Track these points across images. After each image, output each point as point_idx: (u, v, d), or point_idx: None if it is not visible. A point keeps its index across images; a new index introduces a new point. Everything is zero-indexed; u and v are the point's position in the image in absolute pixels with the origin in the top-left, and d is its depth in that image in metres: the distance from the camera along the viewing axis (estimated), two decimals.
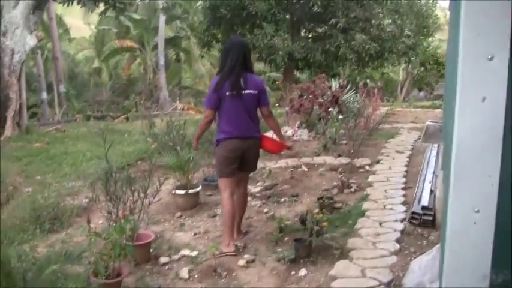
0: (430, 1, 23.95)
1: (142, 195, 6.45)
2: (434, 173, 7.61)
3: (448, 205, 2.36)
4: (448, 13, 7.89)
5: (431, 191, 6.89)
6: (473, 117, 2.15)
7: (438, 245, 4.93)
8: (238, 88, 6.08)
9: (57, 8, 29.80)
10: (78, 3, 18.27)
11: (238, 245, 6.26)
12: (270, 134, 7.23)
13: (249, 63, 6.43)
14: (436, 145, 9.20)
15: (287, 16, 22.11)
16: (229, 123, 6.18)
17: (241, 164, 6.34)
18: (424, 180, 7.58)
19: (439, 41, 29.62)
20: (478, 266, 2.21)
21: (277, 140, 6.76)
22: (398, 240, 6.01)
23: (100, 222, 7.05)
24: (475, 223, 2.19)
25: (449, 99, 3.83)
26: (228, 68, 6.16)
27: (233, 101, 6.09)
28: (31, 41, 16.21)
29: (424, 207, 6.45)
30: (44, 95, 27.48)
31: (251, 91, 6.16)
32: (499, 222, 2.19)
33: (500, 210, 2.18)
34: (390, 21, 22.37)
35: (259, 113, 6.49)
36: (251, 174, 7.65)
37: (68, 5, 18.27)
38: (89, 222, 5.61)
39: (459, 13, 2.31)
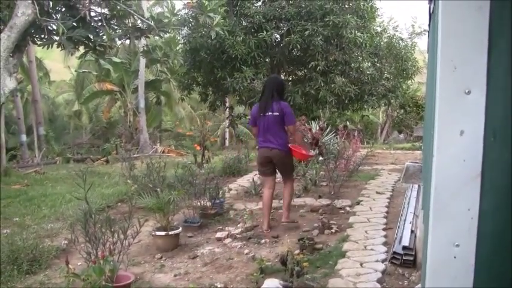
0: (409, 44, 24.24)
1: (121, 236, 6.40)
2: (414, 213, 7.64)
3: (427, 240, 2.37)
4: (427, 56, 8.02)
5: (412, 231, 6.90)
6: (451, 151, 2.16)
7: (419, 285, 4.92)
8: (263, 111, 8.50)
9: (37, 51, 29.90)
10: (58, 47, 18.29)
11: (219, 286, 6.22)
12: None
13: (279, 93, 8.60)
14: (416, 186, 9.24)
15: (267, 59, 22.23)
16: (260, 136, 8.78)
17: (277, 169, 8.94)
18: (405, 220, 7.60)
19: (418, 83, 29.98)
20: None
21: (304, 151, 8.88)
22: (379, 281, 6.00)
23: (79, 263, 6.98)
24: (455, 257, 2.19)
25: (428, 136, 3.87)
26: (260, 97, 9.01)
27: (261, 121, 8.55)
28: (10, 84, 16.15)
29: (404, 247, 6.45)
30: (24, 138, 27.34)
31: (274, 113, 8.41)
32: (479, 256, 2.19)
33: (480, 244, 2.18)
34: (369, 64, 22.55)
35: None
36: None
37: (47, 48, 18.30)
38: (67, 263, 5.56)
39: (436, 48, 2.35)
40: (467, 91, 2.11)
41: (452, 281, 2.21)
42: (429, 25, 5.87)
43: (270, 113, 8.42)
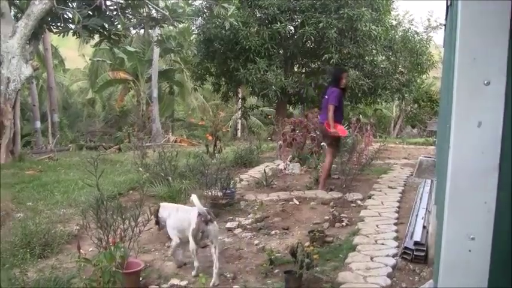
0: (424, 38, 24.05)
1: (132, 223, 6.41)
2: (427, 208, 7.57)
3: (441, 234, 2.34)
4: (442, 50, 7.94)
5: (424, 227, 6.85)
6: (468, 143, 2.13)
7: (430, 281, 4.89)
8: (323, 95, 11.03)
9: (53, 39, 29.99)
10: (73, 35, 18.39)
11: (228, 275, 6.24)
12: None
13: (333, 80, 10.94)
14: (429, 181, 9.18)
15: (280, 51, 22.23)
16: None
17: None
18: (417, 215, 7.54)
19: (432, 78, 29.74)
20: None
21: (331, 128, 10.36)
22: (389, 275, 5.96)
23: (90, 249, 7.00)
24: (470, 251, 2.16)
25: (443, 130, 3.83)
26: None
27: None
28: (27, 71, 16.26)
29: (416, 243, 6.40)
30: (38, 124, 27.51)
31: (325, 96, 10.71)
32: (495, 249, 2.16)
33: (497, 238, 2.15)
34: (384, 57, 22.51)
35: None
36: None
37: (63, 36, 18.38)
38: (79, 248, 5.57)
39: (454, 40, 2.32)
40: (486, 82, 2.08)
41: (467, 275, 2.18)
42: (446, 18, 5.81)
43: (325, 96, 10.69)
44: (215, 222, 6.54)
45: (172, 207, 6.94)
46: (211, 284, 6.10)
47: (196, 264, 6.40)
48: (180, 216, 6.65)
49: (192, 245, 6.38)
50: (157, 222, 6.92)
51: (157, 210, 6.92)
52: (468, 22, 2.15)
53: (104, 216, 6.28)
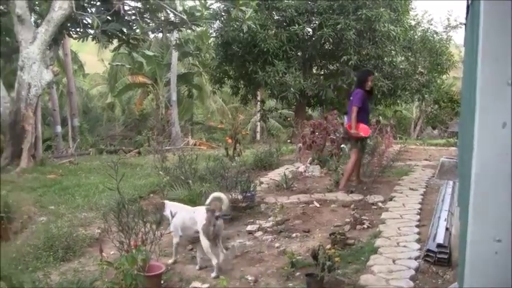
0: (444, 38, 23.87)
1: (153, 227, 6.43)
2: (449, 210, 7.52)
3: (466, 236, 2.32)
4: (463, 50, 7.87)
5: (447, 229, 6.80)
6: (492, 143, 2.11)
7: (454, 284, 4.84)
8: (348, 97, 11.57)
9: (73, 45, 30.25)
10: (92, 40, 18.54)
11: (249, 278, 6.24)
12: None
13: (361, 83, 10.80)
14: (451, 182, 9.11)
15: (299, 53, 22.21)
16: None
17: None
18: (439, 217, 7.49)
19: (453, 78, 29.50)
20: None
21: (352, 128, 10.50)
22: (412, 278, 5.93)
23: (112, 252, 7.03)
24: (496, 253, 2.14)
25: (465, 131, 3.80)
26: None
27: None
28: (47, 76, 16.40)
29: (439, 245, 6.35)
30: (59, 129, 27.74)
31: (350, 98, 10.84)
32: None
33: None
34: (403, 58, 22.41)
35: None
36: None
37: (83, 41, 18.53)
38: (101, 251, 5.59)
39: (476, 40, 2.30)
40: (509, 82, 2.06)
41: (493, 277, 2.16)
42: (466, 17, 5.76)
43: (351, 98, 10.80)
44: (221, 220, 6.81)
45: (176, 206, 7.05)
46: (212, 276, 6.43)
47: (214, 261, 6.50)
48: (185, 216, 6.77)
49: (205, 242, 6.53)
50: (160, 220, 6.98)
51: (161, 208, 7.03)
52: (490, 22, 2.13)
53: (125, 220, 6.31)
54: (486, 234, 2.15)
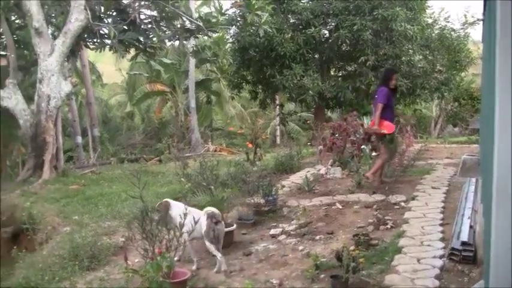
0: (462, 35, 23.67)
1: (177, 233, 6.47)
2: (473, 208, 7.48)
3: (490, 233, 2.31)
4: (481, 46, 7.83)
5: (471, 227, 6.76)
6: None
7: (481, 282, 4.81)
8: (373, 95, 11.43)
9: (90, 55, 30.43)
10: (110, 49, 18.66)
11: (274, 282, 6.26)
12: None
13: (386, 81, 10.90)
14: (473, 180, 9.05)
15: (316, 56, 22.17)
16: None
17: None
18: (463, 215, 7.45)
19: (472, 75, 29.25)
20: None
21: (375, 125, 10.66)
22: (437, 277, 5.92)
23: (136, 260, 7.08)
24: None
25: (486, 127, 3.78)
26: None
27: None
28: (66, 87, 16.57)
29: (463, 243, 6.31)
30: (79, 139, 27.92)
31: (375, 96, 10.90)
32: None
33: None
34: (421, 57, 22.26)
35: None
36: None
37: (100, 51, 18.68)
38: (126, 259, 5.63)
39: (494, 34, 2.29)
40: None
41: None
42: (484, 13, 5.72)
43: (375, 96, 10.88)
44: (222, 222, 7.30)
45: (181, 207, 7.15)
46: (221, 269, 6.83)
47: (219, 256, 6.94)
48: (190, 218, 6.82)
49: (208, 244, 6.92)
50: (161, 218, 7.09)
51: (167, 207, 7.19)
52: (507, 18, 2.13)
53: (149, 227, 6.35)
54: (510, 231, 2.13)
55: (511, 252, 2.14)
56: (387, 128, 10.58)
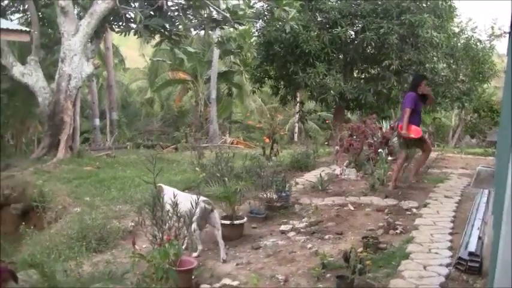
0: (487, 47, 23.53)
1: (187, 222, 6.50)
2: (483, 219, 7.45)
3: (498, 244, 2.30)
4: (505, 59, 7.78)
5: (479, 238, 6.74)
6: None
7: None
8: (402, 99, 12.04)
9: (115, 39, 30.54)
10: (134, 34, 18.71)
11: (280, 278, 6.27)
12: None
13: (414, 87, 10.92)
14: (486, 192, 9.01)
15: (340, 56, 22.11)
16: None
17: None
18: (473, 226, 7.42)
19: (494, 88, 29.10)
20: None
21: (404, 129, 10.51)
22: (442, 285, 5.92)
23: (144, 246, 7.12)
24: None
25: (504, 140, 3.76)
26: None
27: None
28: (88, 68, 16.66)
29: (471, 253, 6.29)
30: (97, 122, 28.07)
31: (402, 101, 11.30)
32: None
33: None
34: (445, 65, 22.15)
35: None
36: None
37: (125, 35, 18.71)
38: (134, 244, 5.66)
39: None
40: None
41: None
42: (511, 26, 5.69)
43: (404, 101, 11.06)
44: (215, 211, 7.39)
45: (172, 192, 7.11)
46: (221, 259, 7.00)
47: (200, 247, 7.18)
48: (182, 204, 6.84)
49: (195, 229, 7.04)
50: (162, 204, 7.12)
51: (160, 191, 7.21)
52: None
53: (160, 214, 6.38)
54: None
55: None
56: (415, 132, 10.59)
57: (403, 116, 10.66)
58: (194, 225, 7.01)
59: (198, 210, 6.90)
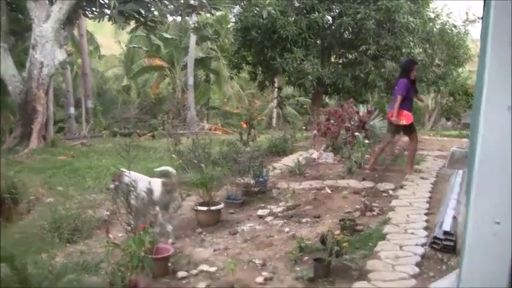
0: (462, 32, 23.81)
1: (163, 209, 6.47)
2: (457, 199, 7.50)
3: (468, 217, 2.31)
4: (479, 44, 7.81)
5: (454, 217, 6.78)
6: (498, 125, 2.09)
7: (457, 270, 4.84)
8: (393, 86, 11.57)
9: (89, 25, 30.22)
10: (109, 20, 18.49)
11: (257, 262, 6.26)
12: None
13: (406, 73, 10.78)
14: (461, 172, 9.07)
15: (317, 41, 22.09)
16: None
17: None
18: (447, 206, 7.45)
19: (468, 72, 29.40)
20: (496, 278, 2.14)
21: (394, 116, 10.57)
22: (417, 264, 5.97)
23: (120, 235, 7.07)
24: (494, 235, 2.13)
25: (476, 120, 3.77)
26: None
27: None
28: (60, 55, 16.42)
29: (445, 233, 6.34)
30: (72, 110, 27.78)
31: (395, 87, 10.78)
32: None
33: None
34: (421, 50, 22.28)
35: None
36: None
37: (98, 21, 18.49)
38: (107, 232, 5.60)
39: (487, 27, 2.28)
40: None
41: (490, 259, 2.15)
42: (483, 11, 5.71)
43: (396, 88, 10.77)
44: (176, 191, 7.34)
45: (133, 176, 7.04)
46: (169, 241, 6.93)
47: (169, 228, 7.10)
48: (141, 186, 6.87)
49: (158, 211, 7.01)
50: (116, 188, 7.18)
51: (121, 176, 7.14)
52: (501, 17, 2.13)
53: (135, 202, 6.34)
54: (486, 217, 2.15)
55: (484, 238, 2.15)
56: (406, 117, 10.63)
57: (394, 102, 10.67)
58: (158, 209, 7.00)
59: (158, 191, 6.96)
